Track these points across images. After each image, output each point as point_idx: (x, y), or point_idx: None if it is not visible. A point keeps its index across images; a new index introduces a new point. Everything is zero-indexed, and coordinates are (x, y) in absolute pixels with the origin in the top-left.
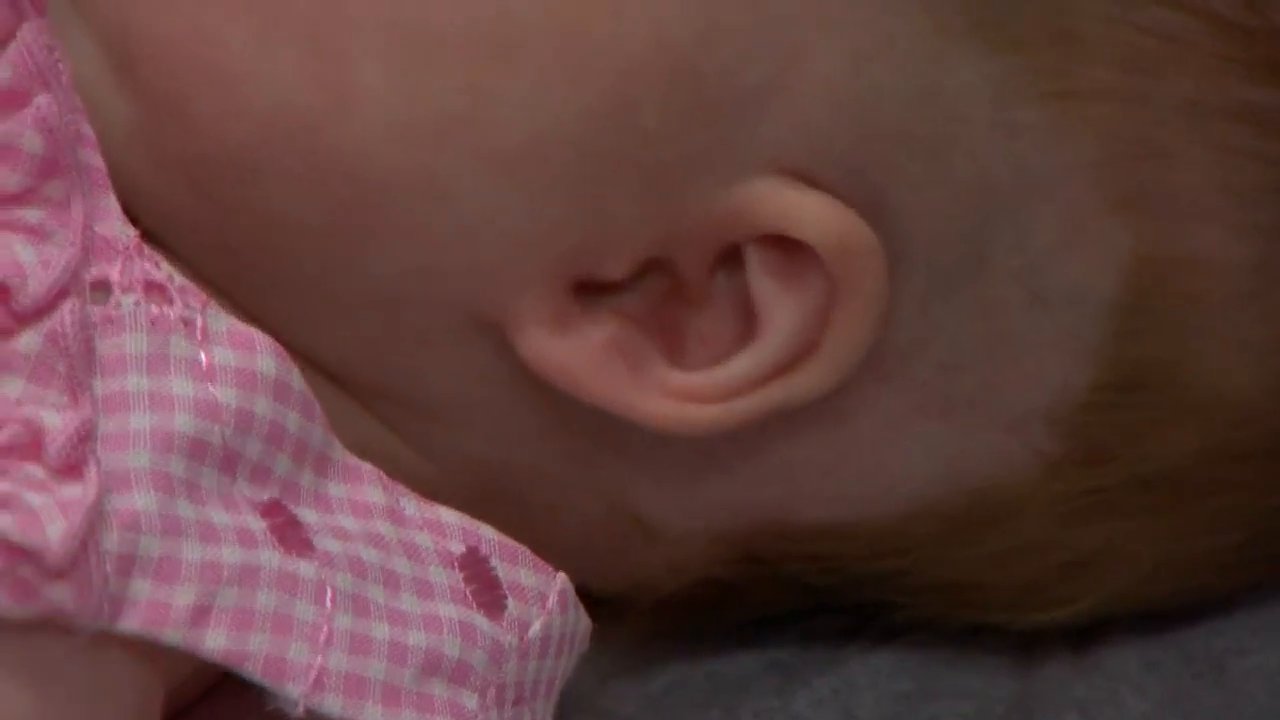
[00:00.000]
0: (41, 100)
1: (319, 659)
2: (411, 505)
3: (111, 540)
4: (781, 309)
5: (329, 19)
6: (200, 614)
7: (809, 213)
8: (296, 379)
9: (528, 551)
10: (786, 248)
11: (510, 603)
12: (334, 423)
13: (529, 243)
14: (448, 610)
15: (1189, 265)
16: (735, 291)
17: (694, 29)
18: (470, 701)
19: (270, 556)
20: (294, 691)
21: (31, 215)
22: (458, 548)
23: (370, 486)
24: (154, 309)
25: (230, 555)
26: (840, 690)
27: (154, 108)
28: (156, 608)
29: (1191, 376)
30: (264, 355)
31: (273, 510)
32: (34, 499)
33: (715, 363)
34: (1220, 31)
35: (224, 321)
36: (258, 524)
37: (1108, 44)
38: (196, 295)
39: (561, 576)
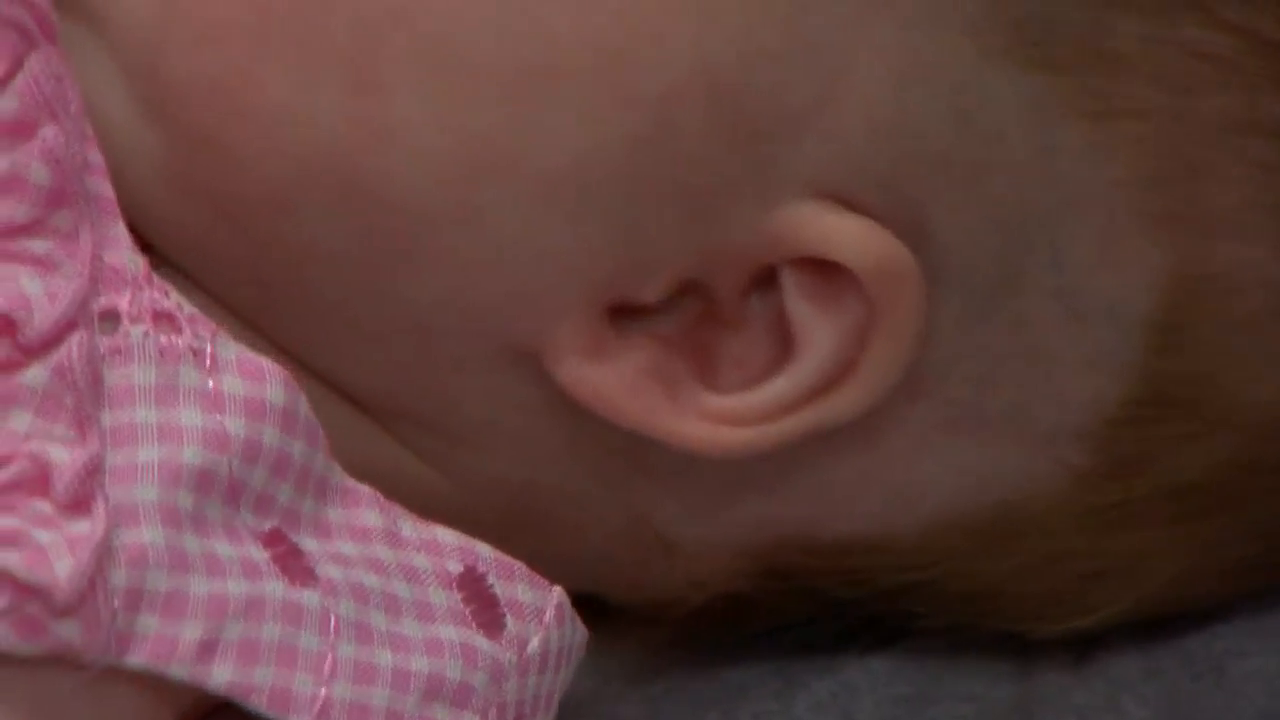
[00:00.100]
0: (48, 131)
1: (323, 690)
2: (408, 526)
3: (119, 576)
4: (819, 331)
5: (367, 54)
6: (207, 648)
7: (848, 236)
8: (304, 406)
9: (524, 567)
10: (822, 270)
11: (509, 620)
12: (351, 445)
13: (568, 269)
14: (448, 633)
15: (1224, 282)
16: (769, 313)
17: (735, 53)
18: None
19: (275, 587)
20: None
21: (39, 246)
22: (455, 567)
23: (367, 510)
24: (163, 339)
25: (236, 588)
26: (839, 694)
27: (184, 142)
28: (163, 642)
29: (1222, 391)
30: (273, 384)
31: (274, 539)
32: (42, 536)
33: (749, 385)
34: (1258, 50)
35: (233, 350)
36: (260, 554)
37: (1146, 63)
38: (205, 324)
39: (558, 590)
